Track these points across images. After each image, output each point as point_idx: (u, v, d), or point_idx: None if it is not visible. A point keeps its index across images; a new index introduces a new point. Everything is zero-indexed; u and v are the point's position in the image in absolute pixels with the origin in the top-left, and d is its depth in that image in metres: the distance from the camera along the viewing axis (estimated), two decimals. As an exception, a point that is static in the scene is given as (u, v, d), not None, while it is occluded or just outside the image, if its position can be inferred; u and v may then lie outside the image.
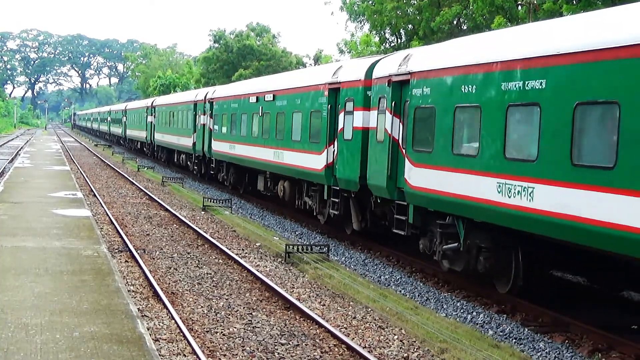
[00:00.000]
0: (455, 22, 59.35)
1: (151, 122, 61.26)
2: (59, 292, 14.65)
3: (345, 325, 14.64)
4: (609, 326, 14.53)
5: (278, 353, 12.67)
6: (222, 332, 13.79)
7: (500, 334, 14.73)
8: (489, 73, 15.80)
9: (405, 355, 12.92)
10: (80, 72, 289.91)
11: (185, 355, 12.18)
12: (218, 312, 15.15)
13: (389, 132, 19.88)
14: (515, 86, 14.92)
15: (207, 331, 13.81)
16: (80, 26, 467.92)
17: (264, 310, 15.53)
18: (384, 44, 66.60)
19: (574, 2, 42.31)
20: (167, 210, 30.35)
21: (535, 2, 44.90)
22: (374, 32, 67.33)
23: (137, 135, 70.67)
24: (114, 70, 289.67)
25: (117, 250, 21.02)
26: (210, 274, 18.82)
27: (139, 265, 18.92)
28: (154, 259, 20.49)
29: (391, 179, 19.72)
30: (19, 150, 70.48)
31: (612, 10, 14.29)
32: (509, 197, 14.83)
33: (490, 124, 15.60)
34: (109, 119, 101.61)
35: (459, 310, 16.40)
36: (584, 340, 14.17)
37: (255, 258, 21.19)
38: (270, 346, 13.01)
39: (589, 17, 14.81)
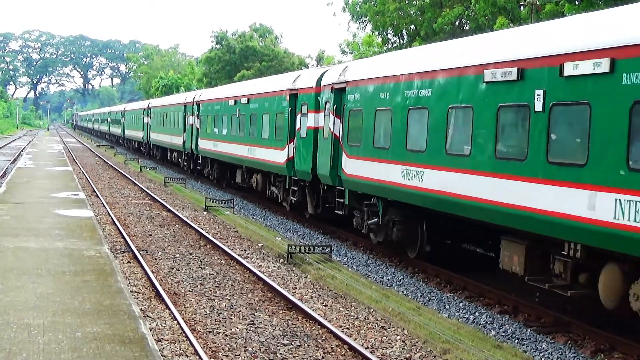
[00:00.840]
0: (457, 23, 59.37)
1: (147, 123, 64.63)
2: (61, 293, 14.65)
3: (347, 326, 14.63)
4: (612, 326, 14.53)
5: (280, 353, 12.66)
6: (224, 332, 13.79)
7: (503, 334, 14.72)
8: (397, 83, 19.96)
9: (408, 355, 12.92)
10: (82, 72, 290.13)
11: (187, 356, 12.18)
12: (220, 313, 15.15)
13: (332, 130, 23.91)
14: (413, 93, 19.10)
15: (209, 332, 13.81)
16: (82, 27, 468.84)
17: (267, 310, 15.53)
18: (386, 45, 66.62)
19: (576, 2, 42.30)
20: (169, 210, 30.35)
21: (537, 2, 44.91)
22: (376, 32, 67.37)
23: (135, 135, 74.35)
24: (116, 71, 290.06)
25: (119, 251, 21.02)
26: (212, 274, 18.82)
27: (141, 266, 18.92)
28: (156, 259, 20.49)
29: (333, 168, 23.72)
30: (21, 150, 70.51)
31: (468, 39, 19.83)
32: (409, 180, 19.01)
33: (398, 123, 19.77)
34: (109, 119, 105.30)
35: (462, 310, 16.39)
36: (587, 340, 14.16)
37: (257, 258, 21.19)
38: (272, 347, 13.01)
39: (458, 43, 20.07)
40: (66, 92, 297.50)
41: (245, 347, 12.95)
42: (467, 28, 58.72)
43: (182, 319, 14.21)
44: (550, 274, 14.63)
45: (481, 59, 16.38)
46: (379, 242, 21.73)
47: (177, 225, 26.82)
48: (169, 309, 14.90)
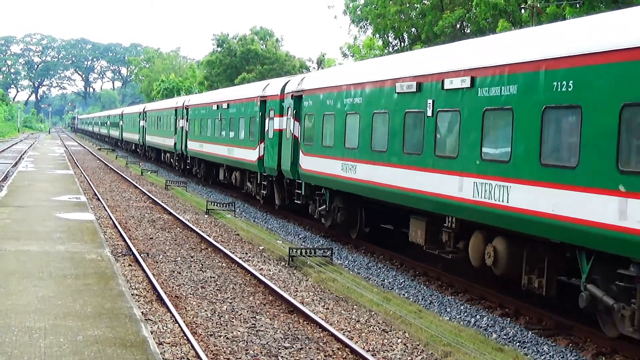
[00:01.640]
0: (458, 26, 59.36)
1: (143, 126, 68.58)
2: (63, 296, 14.66)
3: (348, 329, 14.64)
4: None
5: (282, 356, 12.67)
6: (225, 335, 13.80)
7: (504, 337, 14.72)
8: (339, 92, 23.79)
9: (409, 358, 12.92)
10: (83, 76, 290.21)
11: (188, 359, 12.19)
12: (222, 316, 15.16)
13: (292, 132, 27.80)
14: (349, 101, 22.92)
15: (210, 335, 13.81)
16: (83, 30, 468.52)
17: (268, 313, 15.53)
18: (387, 48, 66.62)
19: (577, 5, 42.30)
20: (170, 214, 30.37)
21: (538, 5, 44.92)
22: (377, 35, 67.34)
23: (132, 137, 77.80)
24: (117, 74, 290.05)
25: (120, 254, 21.03)
26: (213, 277, 18.83)
27: (143, 269, 18.93)
28: (157, 262, 20.50)
29: (293, 165, 27.59)
30: (23, 154, 70.57)
31: (387, 58, 25.25)
32: (347, 173, 22.85)
33: (338, 125, 23.56)
34: (108, 122, 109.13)
35: (463, 313, 16.39)
36: (588, 343, 14.16)
37: (258, 261, 21.20)
38: (273, 350, 13.01)
39: (380, 60, 26.20)
40: (67, 95, 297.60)
41: (247, 350, 12.96)
42: (468, 31, 58.72)
43: (184, 322, 14.21)
44: (441, 243, 18.57)
45: (394, 75, 20.32)
46: (329, 225, 25.51)
47: (178, 229, 26.83)
48: (170, 312, 14.90)
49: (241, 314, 15.40)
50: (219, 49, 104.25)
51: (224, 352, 12.79)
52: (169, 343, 12.94)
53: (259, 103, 32.28)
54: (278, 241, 24.83)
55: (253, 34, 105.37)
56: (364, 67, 24.58)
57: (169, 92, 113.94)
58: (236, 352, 12.85)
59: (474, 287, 17.98)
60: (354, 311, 16.02)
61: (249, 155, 33.26)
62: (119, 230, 24.95)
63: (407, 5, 62.39)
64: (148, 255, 21.30)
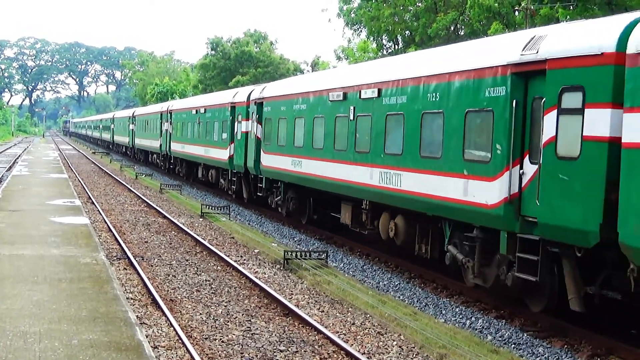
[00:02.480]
0: (452, 28, 59.42)
1: (132, 129, 72.73)
2: (58, 300, 14.65)
3: (344, 332, 14.64)
4: (608, 331, 14.54)
5: (277, 359, 12.67)
6: (220, 339, 13.79)
7: (499, 339, 14.73)
8: (290, 100, 28.16)
9: (405, 361, 12.91)
10: (77, 79, 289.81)
11: (184, 363, 12.18)
12: (217, 319, 15.15)
13: (256, 133, 32.28)
14: (297, 107, 27.29)
15: (205, 338, 13.80)
16: (77, 34, 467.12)
17: (263, 316, 15.53)
18: (381, 50, 66.64)
19: (571, 7, 42.37)
20: (165, 217, 30.35)
21: (532, 7, 44.99)
22: (371, 38, 67.38)
23: (122, 140, 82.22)
24: (111, 77, 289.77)
25: (115, 258, 21.01)
26: (208, 280, 18.82)
27: (138, 273, 18.91)
28: (152, 266, 20.48)
29: (256, 162, 31.75)
30: (17, 158, 70.40)
31: (327, 71, 31.02)
32: (295, 167, 26.90)
33: (289, 127, 27.88)
34: (100, 126, 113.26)
35: (458, 315, 16.40)
36: (583, 345, 14.17)
37: (253, 265, 21.19)
38: (269, 353, 13.01)
39: (321, 73, 30.33)
40: (61, 99, 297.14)
41: (242, 353, 12.95)
42: (462, 33, 58.77)
43: (179, 325, 14.20)
44: (361, 222, 22.79)
45: (328, 86, 24.80)
46: (285, 214, 29.68)
47: (173, 232, 26.81)
48: (165, 316, 14.89)
49: (236, 317, 15.39)
50: (213, 52, 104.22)
51: (219, 356, 12.78)
52: (164, 347, 12.92)
53: (229, 108, 36.55)
54: (273, 244, 24.83)
55: (247, 37, 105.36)
56: (308, 79, 29.50)
57: (163, 96, 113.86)
58: (231, 355, 12.84)
59: (469, 289, 17.99)
60: (349, 314, 16.02)
61: (221, 154, 37.69)
62: (113, 234, 24.93)
63: (401, 8, 62.43)
64: (143, 259, 21.28)
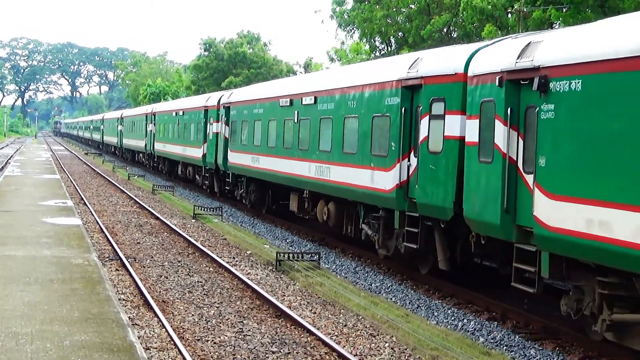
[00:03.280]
0: (445, 30, 59.47)
1: (120, 130, 76.93)
2: (49, 301, 14.63)
3: (336, 333, 14.64)
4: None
5: (269, 361, 12.66)
6: (212, 340, 13.78)
7: (491, 341, 14.75)
8: (251, 105, 32.29)
9: (397, 362, 12.91)
10: (70, 80, 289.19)
11: (176, 364, 12.17)
12: (209, 320, 15.14)
13: (224, 134, 36.38)
14: (256, 111, 31.36)
15: (197, 339, 13.80)
16: (70, 34, 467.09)
17: (255, 318, 15.53)
18: (374, 52, 66.66)
19: (563, 10, 42.45)
20: (157, 218, 30.33)
21: (525, 10, 45.04)
22: (364, 39, 67.38)
23: (112, 140, 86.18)
24: (104, 78, 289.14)
25: (107, 259, 20.99)
26: (201, 282, 18.81)
27: (130, 274, 18.89)
28: (144, 267, 20.46)
29: (225, 159, 35.75)
30: (9, 158, 70.21)
31: (278, 81, 37.51)
32: (254, 163, 30.93)
33: (250, 128, 31.92)
34: (91, 127, 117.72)
35: (450, 317, 16.42)
36: (575, 347, 14.20)
37: (246, 266, 21.19)
38: (261, 354, 13.01)
39: (275, 82, 38.66)
40: (54, 99, 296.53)
41: (234, 354, 12.94)
42: (455, 35, 58.83)
43: (171, 326, 14.20)
44: (304, 209, 26.62)
45: (279, 94, 28.95)
46: (249, 205, 33.55)
47: (165, 233, 26.79)
48: (158, 317, 14.88)
49: (228, 318, 15.39)
50: (207, 53, 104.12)
51: (211, 357, 12.78)
52: (156, 348, 12.91)
53: (203, 112, 40.69)
54: (265, 245, 24.83)
55: (240, 38, 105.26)
56: (265, 87, 33.14)
57: (155, 97, 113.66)
58: (223, 356, 12.83)
59: (461, 291, 18.03)
60: (342, 315, 16.03)
61: (196, 153, 41.73)
62: (105, 235, 24.90)
63: (394, 10, 62.47)
64: (135, 260, 21.26)
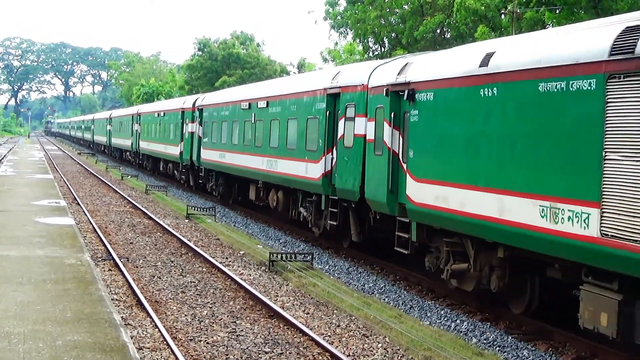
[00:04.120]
0: (438, 31, 59.48)
1: (109, 130, 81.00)
2: (42, 301, 14.60)
3: (329, 334, 14.64)
4: (593, 335, 14.58)
5: (262, 361, 12.66)
6: (205, 340, 13.78)
7: (484, 341, 14.76)
8: (219, 107, 36.68)
9: (389, 363, 12.92)
10: (63, 80, 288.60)
11: (169, 364, 12.16)
12: (202, 321, 15.14)
13: (198, 133, 40.39)
14: (223, 113, 35.61)
15: (190, 339, 13.79)
16: (63, 34, 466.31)
17: (248, 318, 15.52)
18: (367, 53, 66.66)
19: (557, 11, 42.49)
20: (150, 218, 30.30)
21: (518, 11, 45.11)
22: (358, 40, 67.37)
23: (101, 139, 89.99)
24: (97, 78, 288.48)
25: (100, 259, 20.96)
26: (194, 282, 18.80)
27: (123, 274, 18.87)
28: (137, 267, 20.44)
29: (198, 156, 39.79)
30: (2, 158, 70.02)
31: (241, 87, 39.70)
32: (221, 159, 34.96)
33: (217, 128, 36.21)
34: (82, 126, 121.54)
35: (443, 318, 16.43)
36: (568, 348, 14.23)
37: (239, 266, 21.18)
38: (254, 354, 13.01)
39: (237, 88, 40.14)
40: (47, 99, 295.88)
41: (227, 355, 12.94)
42: (449, 36, 58.89)
43: (164, 327, 14.19)
44: (260, 198, 30.69)
45: (241, 98, 33.31)
46: (219, 197, 37.44)
47: (158, 233, 26.77)
48: (150, 317, 14.86)
49: (221, 318, 15.39)
50: (200, 53, 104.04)
51: (204, 357, 12.77)
52: (149, 348, 12.91)
53: (180, 113, 44.53)
54: (258, 246, 24.82)
55: (234, 39, 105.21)
56: (231, 92, 38.30)
57: (149, 97, 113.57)
58: (216, 357, 12.83)
59: (454, 292, 18.03)
60: (335, 316, 16.03)
61: (175, 150, 45.56)
62: (98, 235, 24.87)
63: (387, 11, 62.50)
64: (128, 260, 21.24)
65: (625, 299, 12.07)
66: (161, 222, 28.72)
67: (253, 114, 30.37)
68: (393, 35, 64.12)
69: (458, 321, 16.10)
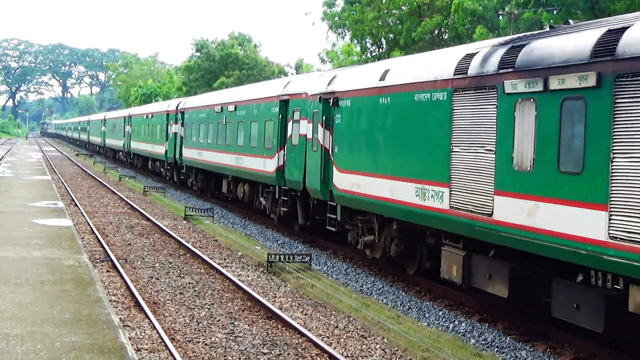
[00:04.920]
0: (436, 32, 59.49)
1: (103, 131, 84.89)
2: (40, 302, 14.59)
3: (327, 335, 14.64)
4: (591, 335, 14.60)
5: (260, 363, 12.65)
6: (204, 341, 13.78)
7: (482, 342, 14.76)
8: (198, 110, 40.28)
9: (388, 364, 12.92)
10: (61, 81, 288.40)
11: (167, 365, 12.15)
12: (200, 322, 15.13)
13: (181, 134, 44.03)
14: (201, 115, 39.09)
15: (189, 341, 13.79)
16: (61, 35, 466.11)
17: (246, 319, 15.52)
18: (365, 54, 66.64)
19: (554, 12, 42.53)
20: (148, 219, 30.29)
21: (515, 12, 45.13)
22: (355, 41, 67.35)
23: (96, 140, 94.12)
24: (95, 79, 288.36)
25: (98, 260, 20.95)
26: (192, 283, 18.79)
27: (121, 275, 18.87)
28: (135, 268, 20.43)
29: (180, 155, 43.54)
30: (0, 159, 70.04)
31: (218, 92, 47.08)
32: (199, 157, 38.88)
33: (197, 129, 39.98)
34: (78, 128, 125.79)
35: (441, 319, 16.43)
36: (566, 348, 14.22)
37: (237, 267, 21.18)
38: (252, 356, 13.00)
39: (216, 92, 46.73)
40: (45, 100, 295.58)
41: (225, 356, 12.94)
42: (446, 37, 58.89)
43: (162, 328, 14.18)
44: (232, 191, 34.18)
45: (214, 102, 37.24)
46: (199, 191, 40.99)
47: (156, 235, 26.76)
48: (149, 318, 14.86)
49: (219, 319, 15.38)
50: (198, 54, 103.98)
51: (203, 358, 12.77)
52: (147, 349, 12.90)
53: (166, 115, 48.41)
54: (256, 247, 24.82)
55: (232, 40, 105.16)
56: (207, 97, 42.32)
57: (146, 98, 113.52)
58: (214, 358, 12.83)
59: (452, 293, 18.03)
60: (333, 317, 16.03)
61: (161, 149, 49.52)
62: (96, 236, 24.86)
63: (385, 12, 62.50)
64: (126, 261, 21.24)
65: (467, 255, 15.71)
66: (159, 224, 28.72)
67: (224, 117, 34.44)
68: (391, 36, 64.12)
69: (456, 322, 16.10)
